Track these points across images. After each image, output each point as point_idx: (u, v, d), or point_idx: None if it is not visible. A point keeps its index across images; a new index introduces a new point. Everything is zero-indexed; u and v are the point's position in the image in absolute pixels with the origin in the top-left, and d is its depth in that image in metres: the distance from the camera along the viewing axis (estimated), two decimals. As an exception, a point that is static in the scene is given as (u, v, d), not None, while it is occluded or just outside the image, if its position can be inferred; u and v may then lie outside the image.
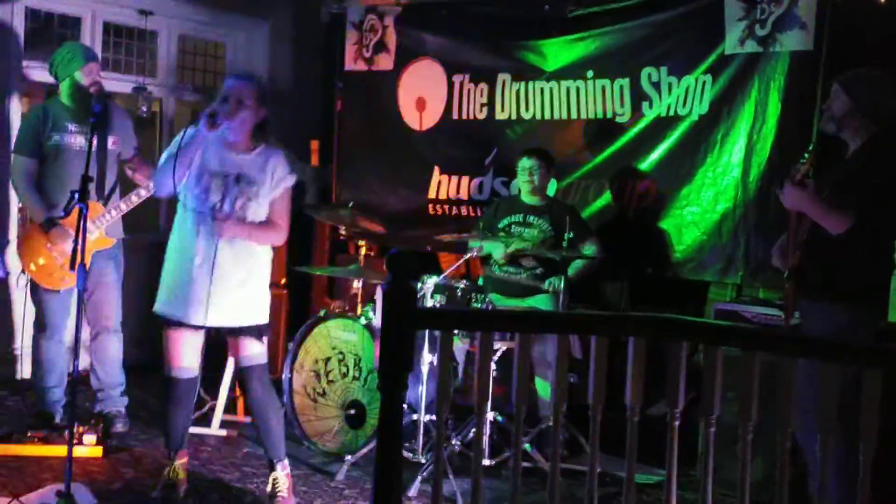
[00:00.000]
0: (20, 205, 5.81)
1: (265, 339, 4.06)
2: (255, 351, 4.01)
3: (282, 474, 4.05)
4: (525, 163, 5.18)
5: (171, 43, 6.74)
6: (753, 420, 2.55)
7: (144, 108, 6.11)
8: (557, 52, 5.80)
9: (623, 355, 2.70)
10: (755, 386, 2.55)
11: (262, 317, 4.03)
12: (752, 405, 2.55)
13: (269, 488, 4.07)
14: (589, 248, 5.11)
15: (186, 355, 4.01)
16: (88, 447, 4.50)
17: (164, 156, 3.97)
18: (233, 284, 3.91)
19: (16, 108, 5.82)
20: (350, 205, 5.24)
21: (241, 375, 4.08)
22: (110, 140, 4.83)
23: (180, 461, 4.10)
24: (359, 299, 5.15)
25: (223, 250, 3.88)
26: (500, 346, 4.65)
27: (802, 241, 3.72)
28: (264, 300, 4.06)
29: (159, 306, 4.02)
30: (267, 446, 4.08)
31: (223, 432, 5.02)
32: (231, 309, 3.93)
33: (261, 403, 4.03)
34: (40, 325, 4.85)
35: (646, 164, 5.43)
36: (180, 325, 3.95)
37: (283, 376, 4.85)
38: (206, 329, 3.99)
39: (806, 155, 3.75)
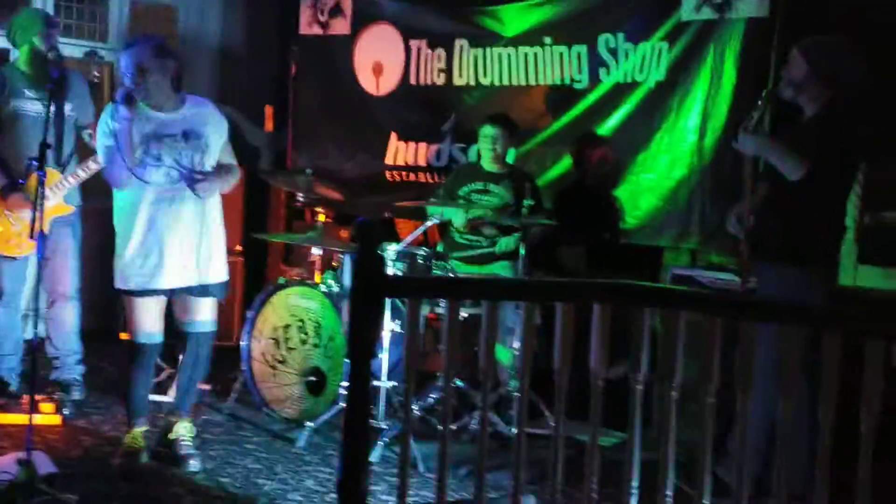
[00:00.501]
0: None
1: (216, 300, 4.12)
2: (207, 316, 4.06)
3: (188, 425, 4.15)
4: (488, 130, 5.17)
5: (123, 6, 6.62)
6: (715, 383, 2.61)
7: (97, 74, 5.97)
8: (515, 17, 5.79)
9: (581, 320, 2.75)
10: (716, 350, 2.61)
11: (218, 275, 4.08)
12: (713, 368, 2.62)
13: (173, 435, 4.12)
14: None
15: (154, 320, 4.02)
16: (47, 415, 4.46)
17: (101, 149, 3.94)
18: (196, 244, 3.95)
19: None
20: (308, 171, 5.20)
21: (188, 340, 4.07)
22: (67, 106, 4.75)
23: (141, 429, 4.09)
24: (316, 266, 5.14)
25: (182, 212, 3.91)
26: (462, 314, 4.67)
27: (758, 206, 3.80)
28: (223, 258, 4.12)
29: (121, 282, 4.00)
30: (178, 397, 4.20)
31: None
32: (196, 268, 3.97)
33: (192, 365, 4.10)
34: (-3, 293, 4.78)
35: (603, 130, 5.47)
36: (145, 292, 3.94)
37: (242, 344, 4.83)
38: (170, 293, 4.00)
39: (759, 102, 3.82)
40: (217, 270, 4.07)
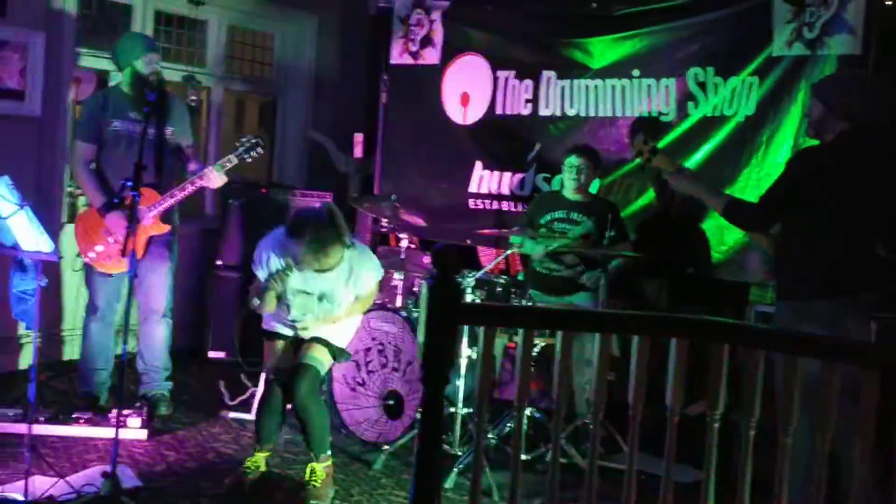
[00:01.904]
0: (69, 189, 5.94)
1: (334, 359, 4.27)
2: (318, 354, 4.16)
3: (320, 467, 4.12)
4: (573, 160, 5.18)
5: (221, 32, 6.83)
6: (794, 425, 2.56)
7: (194, 97, 6.19)
8: (603, 50, 5.80)
9: (661, 353, 2.72)
10: (796, 390, 2.57)
11: (341, 340, 4.30)
12: (793, 409, 2.56)
13: (306, 476, 4.14)
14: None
15: (282, 360, 4.26)
16: (133, 430, 4.59)
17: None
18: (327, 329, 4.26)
19: (70, 95, 5.94)
20: (392, 197, 5.29)
21: (294, 370, 4.11)
22: (168, 129, 4.91)
23: (264, 454, 4.24)
24: (399, 291, 5.21)
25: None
26: (539, 343, 4.68)
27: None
28: (349, 331, 4.36)
29: (266, 322, 4.34)
30: (308, 440, 4.15)
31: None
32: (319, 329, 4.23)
33: (301, 404, 4.07)
34: (92, 308, 4.95)
35: (690, 164, 5.40)
36: (278, 336, 4.28)
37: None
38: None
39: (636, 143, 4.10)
40: (334, 336, 4.28)
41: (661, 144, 5.54)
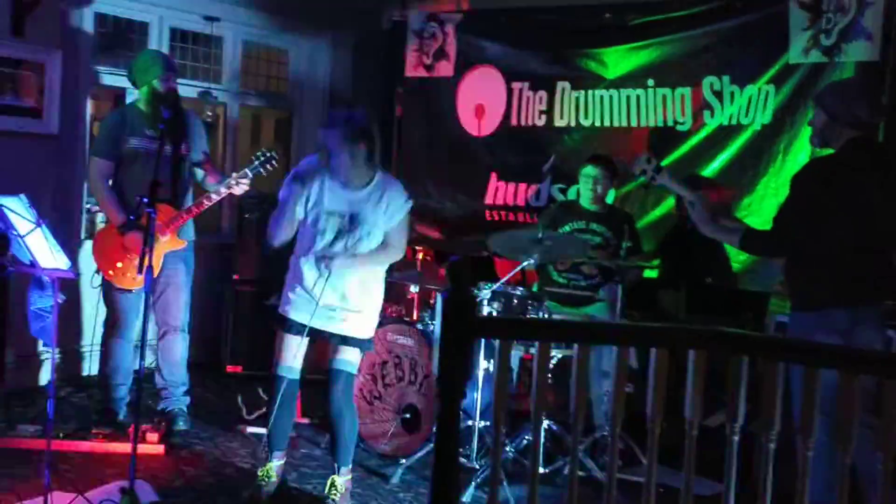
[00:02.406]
0: (88, 206, 5.97)
1: (363, 353, 4.18)
2: (348, 357, 4.09)
3: (340, 479, 4.11)
4: (589, 171, 5.17)
5: (236, 49, 6.86)
6: (815, 436, 2.53)
7: (210, 113, 6.22)
8: (618, 60, 5.80)
9: (679, 364, 2.70)
10: (815, 401, 2.54)
11: (365, 332, 4.13)
12: (813, 421, 2.53)
13: (326, 489, 4.13)
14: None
15: (294, 356, 4.10)
16: (151, 445, 4.60)
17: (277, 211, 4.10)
18: (356, 307, 4.05)
19: (87, 112, 5.98)
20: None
21: (329, 376, 4.11)
22: (184, 146, 4.94)
23: (277, 462, 4.21)
24: (415, 304, 5.20)
25: (349, 277, 4.02)
26: (556, 354, 4.66)
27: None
28: (375, 318, 4.18)
29: (282, 306, 4.16)
30: (333, 450, 4.15)
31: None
32: (344, 322, 4.06)
33: (336, 409, 4.08)
34: (111, 324, 4.96)
35: (707, 173, 5.40)
36: (294, 326, 4.06)
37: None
38: (312, 335, 4.09)
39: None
40: (358, 328, 4.10)
41: (676, 154, 5.55)
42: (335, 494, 4.07)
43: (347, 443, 4.12)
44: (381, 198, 4.02)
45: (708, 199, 3.99)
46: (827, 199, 3.58)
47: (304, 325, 4.01)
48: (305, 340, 4.08)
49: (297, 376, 4.14)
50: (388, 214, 4.03)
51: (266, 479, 4.14)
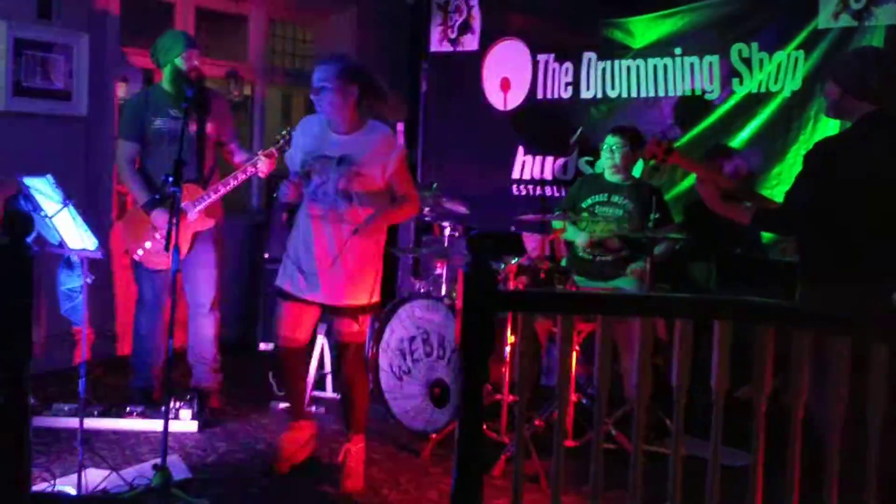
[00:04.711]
0: (118, 187, 6.02)
1: (366, 319, 4.15)
2: (350, 329, 4.09)
3: (354, 447, 4.16)
4: (609, 141, 5.14)
5: (262, 27, 6.86)
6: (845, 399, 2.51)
7: (236, 93, 6.24)
8: (644, 29, 5.72)
9: (709, 336, 2.67)
10: (844, 371, 2.51)
11: (363, 298, 4.08)
12: (841, 390, 2.51)
13: (341, 458, 4.18)
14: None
15: (294, 326, 4.13)
16: (184, 422, 4.66)
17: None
18: (358, 274, 4.03)
19: (115, 93, 6.02)
20: (433, 186, 5.28)
21: (338, 350, 4.18)
22: (209, 125, 4.95)
23: (308, 429, 4.33)
24: (443, 279, 5.20)
25: (357, 243, 3.99)
26: (584, 328, 4.64)
27: None
28: (370, 283, 4.10)
29: (279, 279, 4.17)
30: (345, 418, 4.22)
31: (311, 409, 5.13)
32: (337, 288, 4.03)
33: (347, 379, 4.15)
34: (142, 304, 5.02)
35: (736, 142, 5.33)
36: (293, 298, 4.09)
37: (370, 355, 4.93)
38: (319, 305, 4.11)
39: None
40: (357, 295, 4.05)
41: (705, 123, 5.48)
42: (351, 460, 4.12)
43: (359, 410, 4.17)
44: (368, 140, 4.00)
45: (719, 178, 3.92)
46: (835, 175, 3.50)
47: (298, 297, 4.05)
48: (305, 309, 4.10)
49: (299, 346, 4.18)
50: (380, 156, 3.98)
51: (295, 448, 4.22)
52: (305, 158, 4.03)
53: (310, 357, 5.03)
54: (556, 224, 5.11)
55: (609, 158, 5.12)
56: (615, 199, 5.13)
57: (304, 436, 4.31)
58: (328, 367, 5.36)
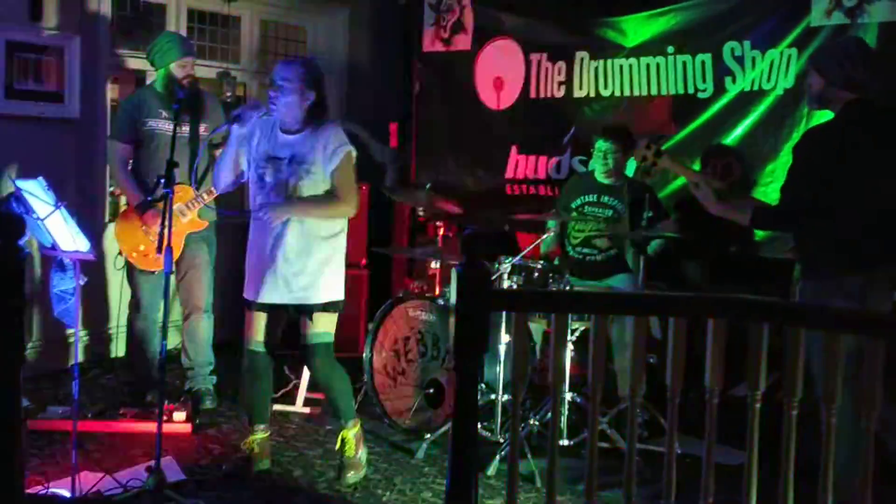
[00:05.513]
0: (112, 189, 6.01)
1: (324, 318, 4.08)
2: (314, 329, 4.06)
3: (350, 434, 4.16)
4: (601, 145, 5.12)
5: (254, 28, 6.85)
6: (837, 403, 2.51)
7: (229, 94, 6.23)
8: (637, 28, 5.73)
9: (703, 334, 2.67)
10: (839, 367, 2.51)
11: (321, 296, 4.06)
12: (836, 387, 2.51)
13: (337, 445, 4.19)
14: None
15: (258, 332, 4.15)
16: (178, 424, 4.64)
17: (220, 154, 4.16)
18: (297, 267, 4.01)
19: (107, 95, 6.00)
20: (427, 186, 5.28)
21: (304, 353, 4.14)
22: (202, 126, 4.95)
23: (259, 435, 4.23)
24: (437, 280, 5.20)
25: (289, 234, 3.98)
26: (578, 327, 4.64)
27: None
28: (330, 279, 4.08)
29: (245, 291, 4.17)
30: (335, 409, 4.21)
31: (306, 410, 5.13)
32: (293, 288, 4.02)
33: (322, 379, 4.15)
34: (136, 306, 5.02)
35: (729, 140, 5.33)
36: (253, 304, 4.11)
37: (364, 356, 4.92)
38: (278, 308, 4.10)
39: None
40: (314, 293, 4.03)
41: (698, 122, 5.48)
42: (349, 450, 4.13)
43: (345, 398, 4.18)
44: (318, 139, 3.99)
45: (712, 180, 3.92)
46: (828, 165, 3.51)
47: (260, 303, 4.07)
48: (264, 315, 4.13)
49: (262, 349, 4.18)
50: (328, 154, 3.98)
51: (250, 451, 4.19)
52: (255, 161, 4.04)
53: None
54: (551, 223, 5.11)
55: (602, 164, 5.12)
56: (605, 199, 5.13)
57: (266, 438, 4.30)
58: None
